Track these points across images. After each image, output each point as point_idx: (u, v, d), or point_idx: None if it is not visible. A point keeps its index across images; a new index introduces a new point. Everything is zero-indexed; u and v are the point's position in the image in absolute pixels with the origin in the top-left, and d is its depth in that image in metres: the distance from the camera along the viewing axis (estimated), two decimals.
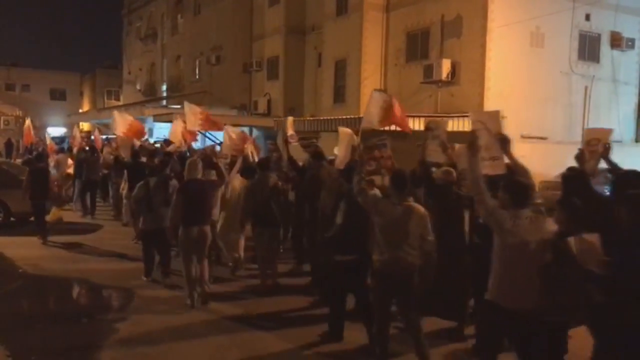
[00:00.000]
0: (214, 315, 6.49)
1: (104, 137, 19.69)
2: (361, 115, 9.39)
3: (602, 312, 3.49)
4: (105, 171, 13.84)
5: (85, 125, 34.86)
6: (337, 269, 5.51)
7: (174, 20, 34.01)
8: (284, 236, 8.75)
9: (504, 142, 4.75)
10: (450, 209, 5.63)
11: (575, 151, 5.56)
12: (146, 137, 14.70)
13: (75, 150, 15.43)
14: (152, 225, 7.59)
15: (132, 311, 6.65)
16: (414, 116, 13.71)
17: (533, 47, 17.02)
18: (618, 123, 17.48)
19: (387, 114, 7.55)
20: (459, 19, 17.10)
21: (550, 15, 16.66)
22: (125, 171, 11.06)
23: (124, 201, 11.70)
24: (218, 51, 28.33)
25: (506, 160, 5.05)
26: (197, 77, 31.30)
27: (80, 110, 47.33)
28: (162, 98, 33.81)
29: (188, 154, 10.25)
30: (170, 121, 14.05)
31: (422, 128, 7.12)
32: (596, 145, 5.39)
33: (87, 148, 14.90)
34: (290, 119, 11.42)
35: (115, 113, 12.31)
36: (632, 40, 18.75)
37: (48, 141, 16.54)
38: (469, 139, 4.34)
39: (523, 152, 9.06)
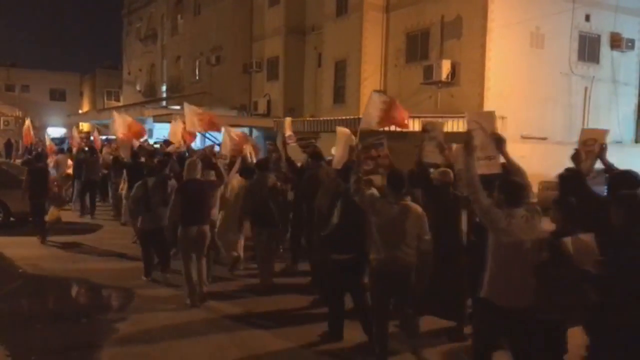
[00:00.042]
0: (214, 314, 6.50)
1: (104, 137, 19.71)
2: (361, 116, 9.42)
3: (597, 311, 3.51)
4: (105, 171, 13.90)
5: (84, 126, 34.88)
6: (334, 268, 5.53)
7: (173, 20, 33.97)
8: (283, 236, 8.77)
9: (499, 142, 4.79)
10: (447, 209, 5.66)
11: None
12: (146, 137, 14.73)
13: (74, 150, 15.48)
14: (150, 225, 7.64)
15: (132, 311, 6.66)
16: (413, 117, 13.69)
17: (533, 47, 17.04)
18: (618, 124, 17.53)
19: (386, 115, 7.59)
20: (459, 19, 17.11)
21: (550, 16, 16.69)
22: (125, 171, 11.10)
23: (124, 201, 11.73)
24: (218, 52, 28.32)
25: (502, 159, 5.08)
26: (197, 77, 31.25)
27: (80, 111, 47.21)
28: (162, 99, 33.75)
29: (187, 154, 10.28)
30: (170, 122, 14.07)
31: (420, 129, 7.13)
32: (592, 145, 5.40)
33: (86, 149, 14.95)
34: (288, 119, 11.43)
35: (115, 114, 12.34)
36: (632, 41, 18.75)
37: (48, 142, 16.55)
38: (465, 139, 4.41)
39: (523, 153, 9.14)
